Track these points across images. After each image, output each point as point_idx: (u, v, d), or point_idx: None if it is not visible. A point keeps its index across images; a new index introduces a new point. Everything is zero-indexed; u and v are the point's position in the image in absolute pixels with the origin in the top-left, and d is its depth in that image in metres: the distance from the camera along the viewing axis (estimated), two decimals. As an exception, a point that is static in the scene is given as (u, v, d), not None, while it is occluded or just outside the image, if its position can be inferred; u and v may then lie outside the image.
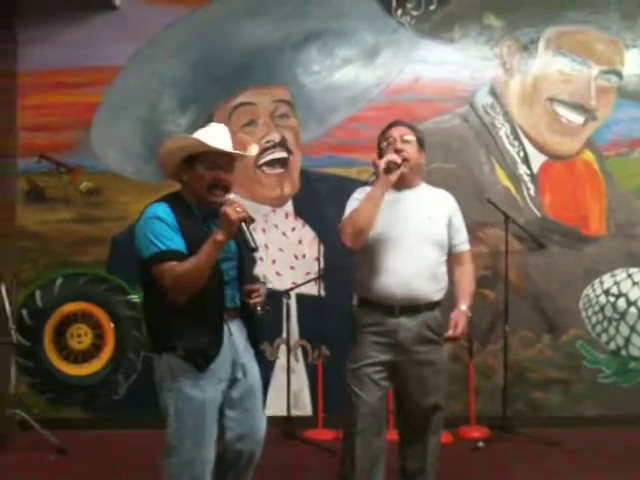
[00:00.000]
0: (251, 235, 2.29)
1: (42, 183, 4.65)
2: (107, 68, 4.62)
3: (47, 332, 4.63)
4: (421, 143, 2.83)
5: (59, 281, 4.64)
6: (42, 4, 4.64)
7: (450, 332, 2.71)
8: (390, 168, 2.65)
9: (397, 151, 2.72)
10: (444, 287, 2.81)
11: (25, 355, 4.59)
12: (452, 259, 2.85)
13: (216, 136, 2.40)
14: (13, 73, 4.63)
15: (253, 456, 2.51)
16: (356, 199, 2.78)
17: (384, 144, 2.81)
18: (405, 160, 2.70)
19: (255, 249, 2.31)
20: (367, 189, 2.78)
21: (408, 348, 2.73)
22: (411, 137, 2.79)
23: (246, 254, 2.52)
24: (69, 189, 4.64)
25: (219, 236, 2.24)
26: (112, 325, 4.62)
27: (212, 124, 2.51)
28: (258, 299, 2.46)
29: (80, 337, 4.64)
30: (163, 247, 2.27)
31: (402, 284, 2.68)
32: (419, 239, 2.72)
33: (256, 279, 2.59)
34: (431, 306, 2.77)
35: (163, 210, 2.33)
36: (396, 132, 2.78)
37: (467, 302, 2.80)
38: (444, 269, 2.81)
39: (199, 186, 2.38)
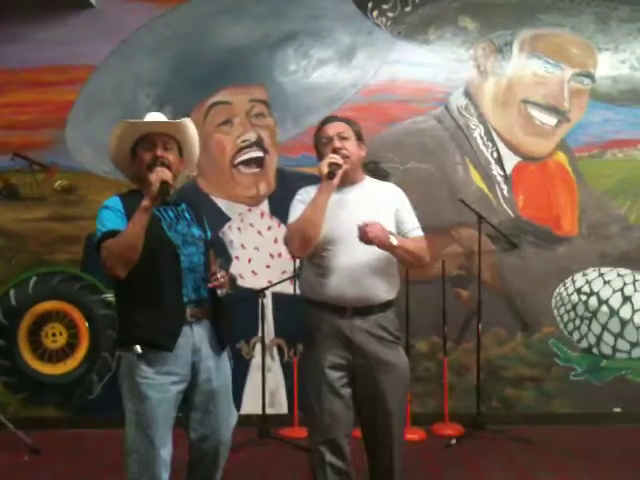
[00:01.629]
0: (163, 194, 2.29)
1: (16, 181, 4.63)
2: (83, 66, 4.61)
3: (21, 331, 4.61)
4: (359, 136, 2.70)
5: (33, 280, 4.61)
6: (19, 3, 4.61)
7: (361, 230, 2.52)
8: (332, 171, 2.53)
9: (335, 150, 2.60)
10: (396, 285, 2.71)
11: (-1, 354, 4.57)
12: None
13: (150, 119, 2.47)
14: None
15: (217, 457, 2.51)
16: (300, 202, 2.65)
17: (321, 144, 2.67)
18: (346, 157, 2.60)
19: (165, 201, 2.34)
20: (310, 191, 2.64)
21: (364, 350, 2.61)
22: (348, 132, 2.65)
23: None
24: (43, 187, 4.63)
25: (144, 202, 2.27)
26: (86, 324, 4.61)
27: (149, 114, 2.54)
28: (216, 282, 2.42)
29: (55, 336, 4.62)
30: (104, 229, 2.36)
31: (353, 284, 2.57)
32: None
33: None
34: (383, 307, 2.65)
35: (110, 200, 2.43)
36: (331, 130, 2.64)
37: (399, 239, 2.58)
38: (395, 265, 2.70)
39: (143, 169, 2.41)
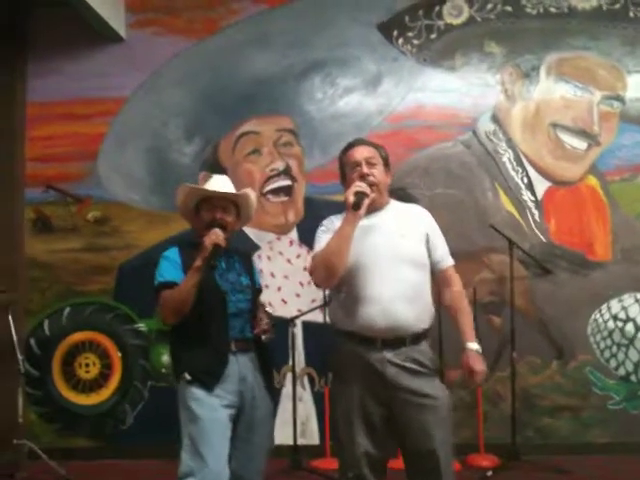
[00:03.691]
0: (214, 256, 2.51)
1: (49, 212, 4.72)
2: (114, 99, 4.72)
3: (55, 361, 4.65)
4: (386, 162, 2.64)
5: (67, 310, 4.67)
6: (51, 37, 4.74)
7: (469, 381, 2.53)
8: (358, 202, 2.44)
9: (363, 176, 2.52)
10: (430, 314, 2.57)
11: (33, 384, 4.61)
12: (438, 278, 2.63)
13: (215, 183, 2.71)
14: (22, 104, 4.72)
15: None
16: (325, 232, 2.58)
17: (347, 168, 2.59)
18: (373, 185, 2.51)
19: (213, 266, 2.55)
20: (335, 221, 2.57)
21: (398, 384, 2.46)
22: (377, 158, 2.58)
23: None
24: (76, 219, 4.70)
25: (197, 262, 2.51)
26: (119, 354, 4.64)
27: (214, 176, 2.78)
28: (259, 328, 2.64)
29: (88, 366, 4.66)
30: (161, 279, 2.60)
31: (383, 313, 2.45)
32: (396, 261, 2.48)
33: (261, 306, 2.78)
34: (416, 339, 2.51)
35: (170, 250, 2.68)
36: (359, 154, 2.56)
37: (473, 337, 2.53)
38: (428, 292, 2.57)
39: (202, 227, 2.65)
